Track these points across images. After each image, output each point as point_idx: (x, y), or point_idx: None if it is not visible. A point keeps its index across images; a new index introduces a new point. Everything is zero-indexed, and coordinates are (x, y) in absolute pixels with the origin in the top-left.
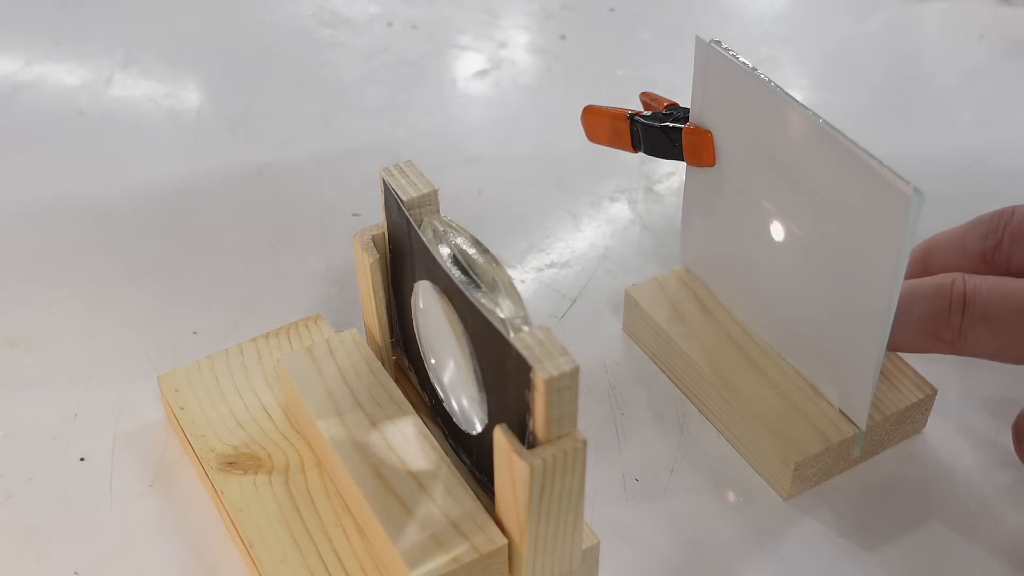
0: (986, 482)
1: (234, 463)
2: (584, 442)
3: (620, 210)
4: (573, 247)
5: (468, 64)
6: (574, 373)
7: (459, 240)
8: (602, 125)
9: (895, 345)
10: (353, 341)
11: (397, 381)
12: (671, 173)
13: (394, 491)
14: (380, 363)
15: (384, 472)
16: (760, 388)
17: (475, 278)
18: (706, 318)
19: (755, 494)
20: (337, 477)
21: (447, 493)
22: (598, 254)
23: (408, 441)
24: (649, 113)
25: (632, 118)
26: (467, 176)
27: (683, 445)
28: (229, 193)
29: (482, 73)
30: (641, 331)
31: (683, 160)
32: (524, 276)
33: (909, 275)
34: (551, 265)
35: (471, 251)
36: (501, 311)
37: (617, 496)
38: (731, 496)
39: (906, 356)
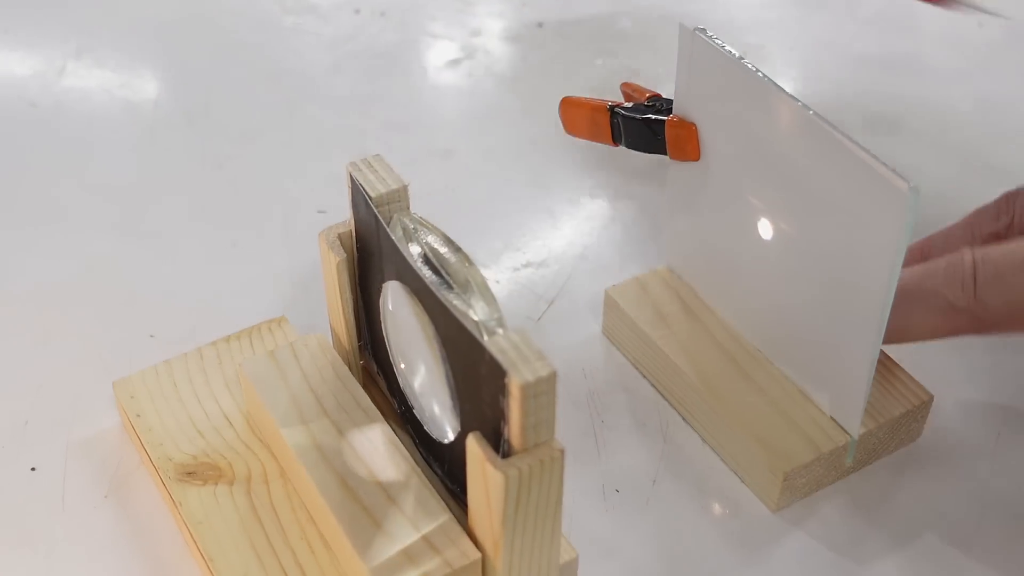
0: (985, 494)
1: (193, 473)
2: (562, 451)
3: (600, 207)
4: (550, 246)
5: (440, 53)
6: (551, 378)
7: (430, 238)
8: (581, 117)
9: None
10: (319, 345)
11: (365, 387)
12: (653, 168)
13: (362, 502)
14: (347, 368)
15: (351, 482)
16: (747, 394)
17: (447, 278)
18: (690, 320)
19: (742, 506)
20: (302, 488)
21: (418, 504)
22: (577, 253)
23: (376, 450)
24: (630, 105)
25: (612, 110)
26: (439, 171)
27: (666, 454)
28: (188, 189)
29: (455, 62)
30: (622, 334)
31: (666, 154)
32: (499, 276)
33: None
34: (527, 265)
35: (443, 250)
36: (474, 313)
37: (596, 508)
38: (717, 508)
39: (902, 360)
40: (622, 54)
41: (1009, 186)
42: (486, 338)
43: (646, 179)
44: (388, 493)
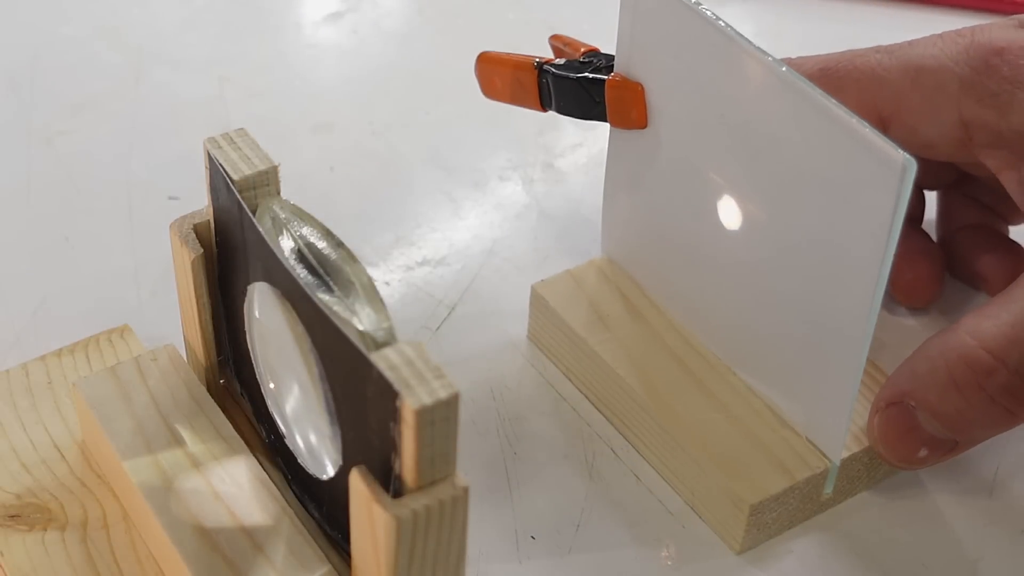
0: (995, 532)
1: (18, 516)
2: (465, 489)
3: (512, 192)
4: (452, 239)
5: (317, 4)
6: (452, 401)
7: (305, 230)
8: (502, 77)
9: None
10: (169, 360)
11: (225, 411)
12: (577, 145)
13: (222, 552)
14: (204, 388)
15: (209, 528)
16: (705, 411)
17: (326, 279)
18: (635, 322)
19: (698, 547)
20: (149, 534)
21: (290, 554)
22: (484, 248)
23: (240, 488)
24: (562, 61)
25: (541, 68)
26: (316, 148)
27: (595, 490)
28: (10, 170)
29: (335, 16)
30: (551, 339)
31: (606, 120)
32: (389, 277)
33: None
34: (424, 262)
35: (321, 244)
36: (359, 321)
37: (508, 558)
38: (666, 550)
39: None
40: (541, 7)
41: None
42: (373, 352)
43: (568, 158)
44: (254, 541)
